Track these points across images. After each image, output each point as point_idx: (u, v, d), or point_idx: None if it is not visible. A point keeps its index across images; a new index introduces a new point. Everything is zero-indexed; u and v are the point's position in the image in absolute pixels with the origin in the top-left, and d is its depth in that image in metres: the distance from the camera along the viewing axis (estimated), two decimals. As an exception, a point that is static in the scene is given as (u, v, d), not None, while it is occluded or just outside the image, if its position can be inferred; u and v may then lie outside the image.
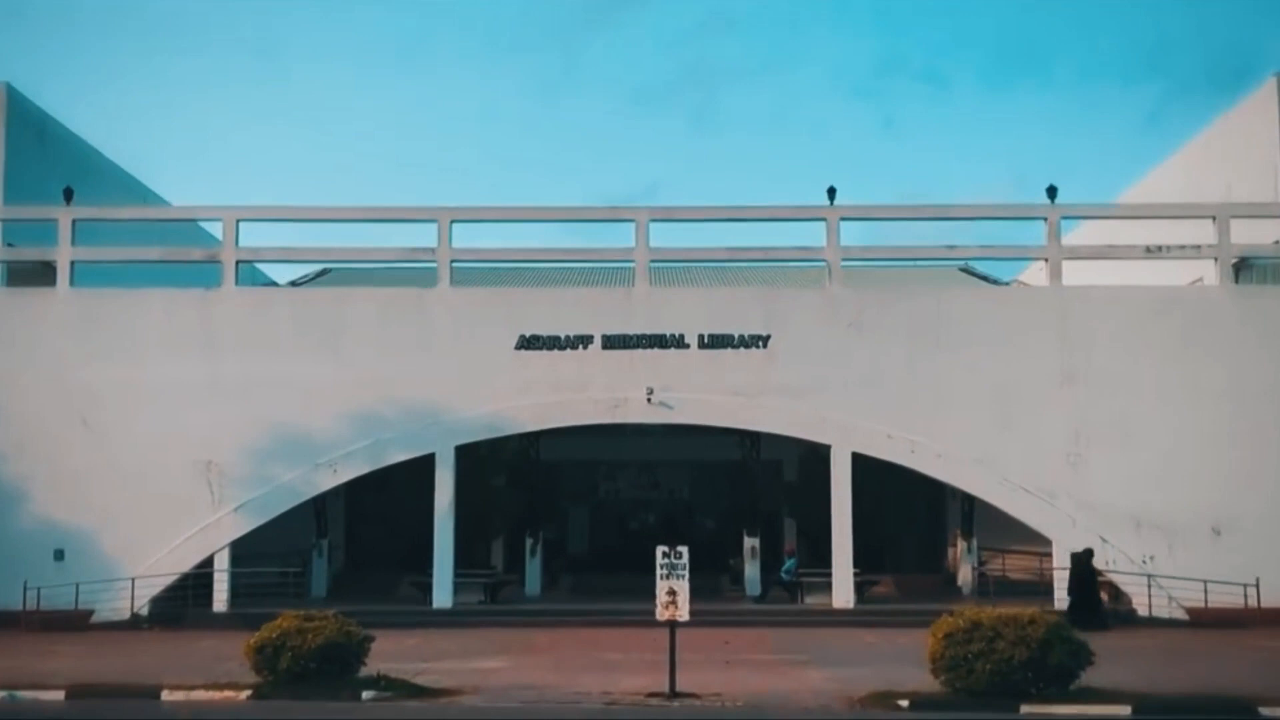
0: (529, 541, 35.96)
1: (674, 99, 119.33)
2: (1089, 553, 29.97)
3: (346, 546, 39.45)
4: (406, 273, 36.12)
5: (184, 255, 34.53)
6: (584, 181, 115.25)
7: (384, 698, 16.86)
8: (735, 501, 38.00)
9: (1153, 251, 32.51)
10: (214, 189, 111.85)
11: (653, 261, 33.06)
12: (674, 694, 17.66)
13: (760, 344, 32.20)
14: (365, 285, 35.52)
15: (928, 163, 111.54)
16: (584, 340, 32.32)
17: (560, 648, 24.92)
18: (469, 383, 32.17)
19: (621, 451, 39.82)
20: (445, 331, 32.51)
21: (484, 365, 32.22)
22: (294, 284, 40.25)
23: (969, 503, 35.34)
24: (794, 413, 31.94)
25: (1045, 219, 32.67)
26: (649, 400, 31.84)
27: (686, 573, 17.76)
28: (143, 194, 40.48)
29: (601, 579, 36.28)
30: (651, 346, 32.28)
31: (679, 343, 32.28)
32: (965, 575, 36.18)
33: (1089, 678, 16.08)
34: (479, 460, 34.07)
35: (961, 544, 36.79)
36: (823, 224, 32.75)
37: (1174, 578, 30.60)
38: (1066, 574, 30.94)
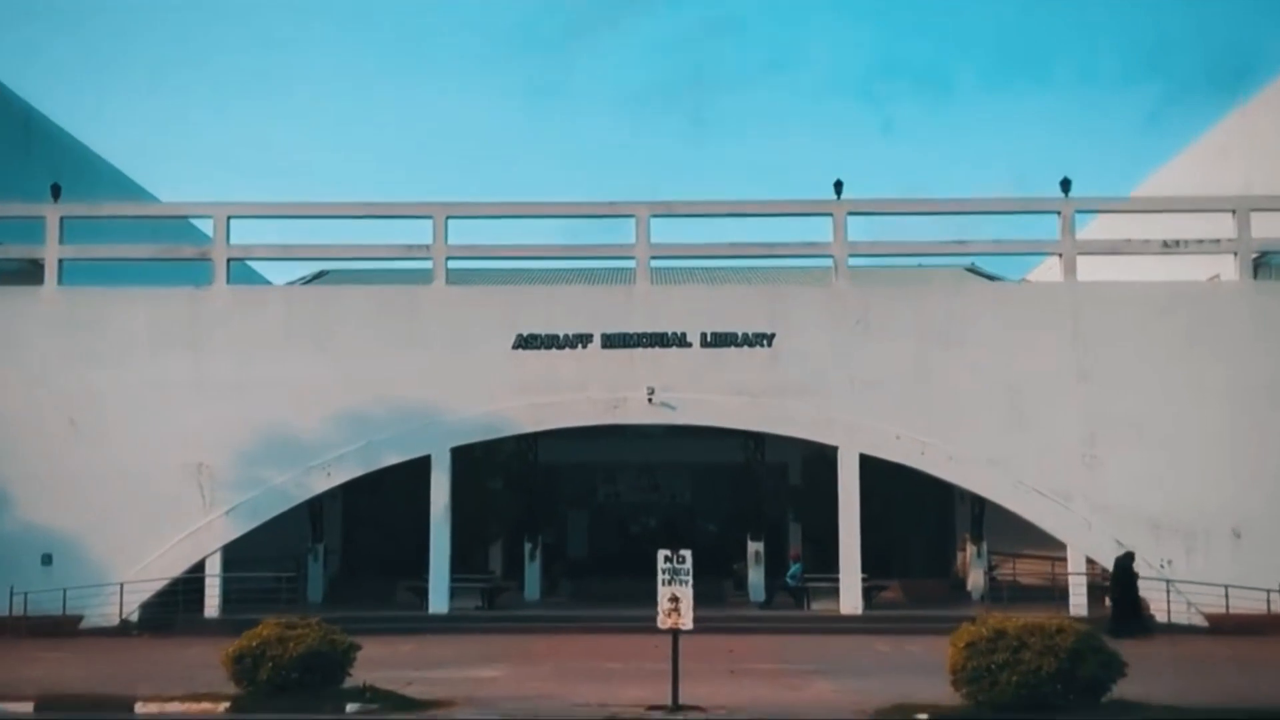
0: (528, 546, 35.25)
1: (672, 103, 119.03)
2: (1130, 556, 29.19)
3: (343, 551, 38.72)
4: (402, 272, 35.33)
5: (174, 253, 33.79)
6: (582, 186, 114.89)
7: (369, 710, 15.98)
8: (739, 505, 37.16)
9: (1170, 246, 31.69)
10: (209, 193, 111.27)
11: (653, 258, 32.26)
12: (676, 706, 16.74)
13: (764, 342, 31.46)
14: (360, 285, 34.70)
15: (927, 166, 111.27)
16: (583, 339, 31.60)
17: (559, 655, 24.06)
18: (465, 383, 31.45)
19: (622, 454, 39.06)
20: (441, 330, 31.81)
21: (480, 365, 31.52)
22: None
23: (979, 505, 34.53)
24: (799, 413, 31.19)
25: (1058, 213, 31.89)
26: (650, 400, 31.11)
27: (690, 578, 16.84)
28: (133, 192, 39.81)
29: (602, 584, 35.56)
30: (652, 345, 31.58)
31: (680, 341, 31.57)
32: (975, 580, 35.37)
33: (1119, 689, 15.18)
34: (476, 462, 33.44)
35: (971, 548, 35.93)
36: (828, 219, 32.00)
37: (1193, 583, 29.72)
38: (1082, 579, 30.34)
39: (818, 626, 29.75)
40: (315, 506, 34.56)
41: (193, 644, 26.47)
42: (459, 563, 32.29)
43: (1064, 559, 31.39)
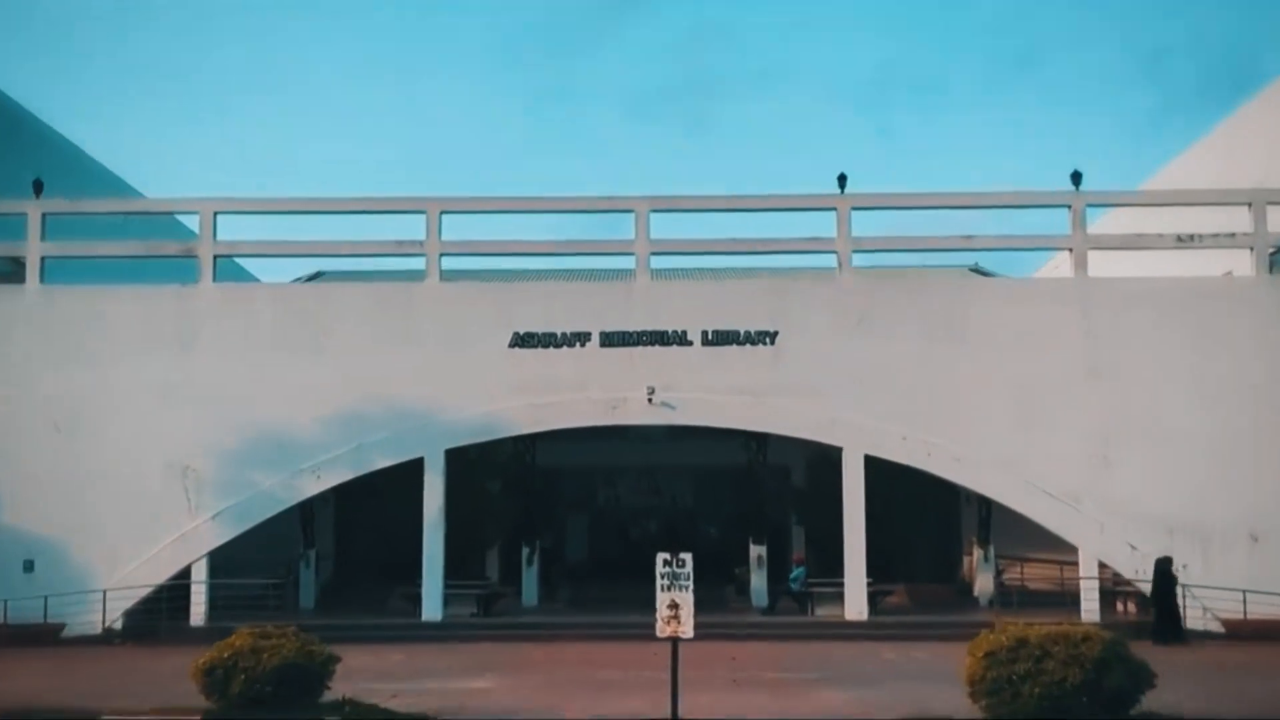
0: (525, 551, 34.54)
1: (672, 108, 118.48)
2: (1169, 560, 28.43)
3: (336, 557, 38.07)
4: (400, 273, 34.49)
5: (159, 250, 32.95)
6: (580, 191, 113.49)
7: (347, 725, 15.07)
8: (741, 508, 36.48)
9: (1184, 241, 30.87)
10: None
11: (653, 254, 31.43)
12: (676, 719, 15.83)
13: (767, 341, 30.68)
14: (351, 282, 33.94)
15: (925, 170, 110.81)
16: (581, 338, 30.82)
17: (554, 665, 23.23)
18: (460, 383, 30.67)
19: (622, 456, 38.40)
20: (435, 329, 31.02)
21: (476, 364, 30.72)
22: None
23: (985, 508, 33.79)
24: (803, 413, 30.40)
25: (1068, 207, 31.03)
26: (650, 400, 30.33)
27: (690, 583, 15.93)
28: (120, 189, 38.94)
29: (601, 589, 34.94)
30: (652, 344, 30.79)
31: (681, 340, 30.78)
32: (982, 585, 34.55)
33: (1147, 700, 14.28)
34: (473, 465, 32.65)
35: (978, 552, 35.15)
36: (832, 216, 31.20)
37: (1209, 587, 28.90)
38: (1094, 584, 29.67)
39: (822, 633, 29.00)
40: (307, 511, 33.82)
41: (175, 653, 25.41)
42: (455, 568, 31.57)
43: (1073, 563, 30.62)
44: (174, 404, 30.33)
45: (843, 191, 31.06)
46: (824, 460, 32.47)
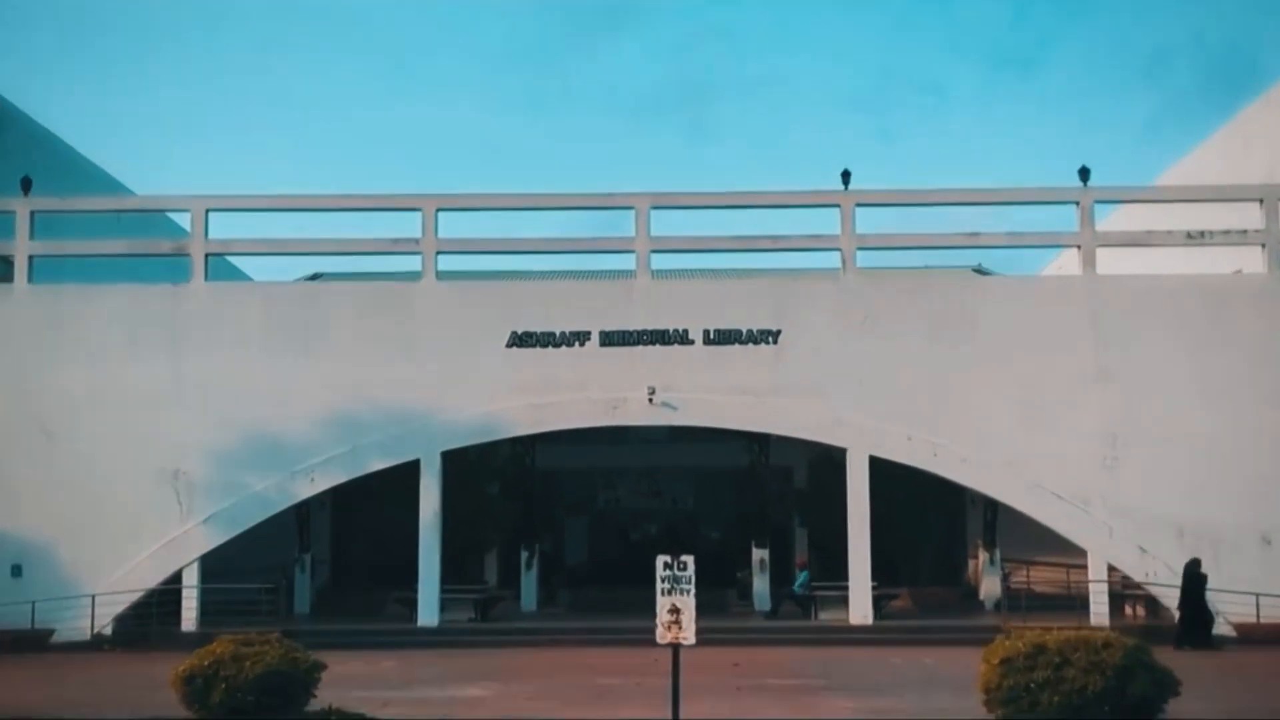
0: (524, 554, 34.07)
1: (669, 112, 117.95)
2: (1197, 562, 27.87)
3: (332, 561, 37.54)
4: (399, 273, 33.92)
5: (150, 248, 32.49)
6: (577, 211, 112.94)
7: (331, 736, 14.45)
8: (743, 510, 35.96)
9: (1194, 238, 30.35)
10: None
11: (654, 252, 30.87)
12: (678, 728, 15.24)
13: (770, 340, 30.17)
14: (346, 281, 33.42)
15: (926, 173, 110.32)
16: (580, 337, 30.31)
17: (552, 671, 22.63)
18: (457, 383, 30.15)
19: (622, 458, 37.75)
20: (431, 328, 30.51)
21: (473, 364, 30.20)
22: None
23: (991, 510, 33.34)
24: (806, 413, 29.90)
25: (1077, 203, 30.51)
26: (650, 401, 29.85)
27: (692, 587, 15.32)
28: (111, 187, 38.33)
29: (601, 593, 34.41)
30: (653, 343, 30.29)
31: (682, 339, 30.27)
32: (988, 589, 34.07)
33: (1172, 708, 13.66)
34: (470, 468, 32.25)
35: (984, 555, 34.68)
36: (836, 213, 30.70)
37: (1220, 590, 28.16)
38: (1103, 587, 29.22)
39: (826, 637, 28.50)
40: (302, 514, 33.54)
41: (165, 660, 24.56)
42: (454, 572, 31.14)
43: (1080, 566, 30.17)
44: (165, 405, 29.83)
45: (846, 188, 30.56)
46: (827, 461, 32.00)
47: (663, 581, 15.31)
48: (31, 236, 30.65)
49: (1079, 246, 30.63)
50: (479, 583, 33.35)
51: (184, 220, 32.56)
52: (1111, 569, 29.42)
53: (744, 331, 30.21)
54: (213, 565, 30.00)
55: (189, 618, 29.38)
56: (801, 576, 32.31)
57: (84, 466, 29.61)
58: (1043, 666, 12.55)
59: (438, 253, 30.82)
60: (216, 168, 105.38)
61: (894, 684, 20.73)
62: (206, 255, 30.88)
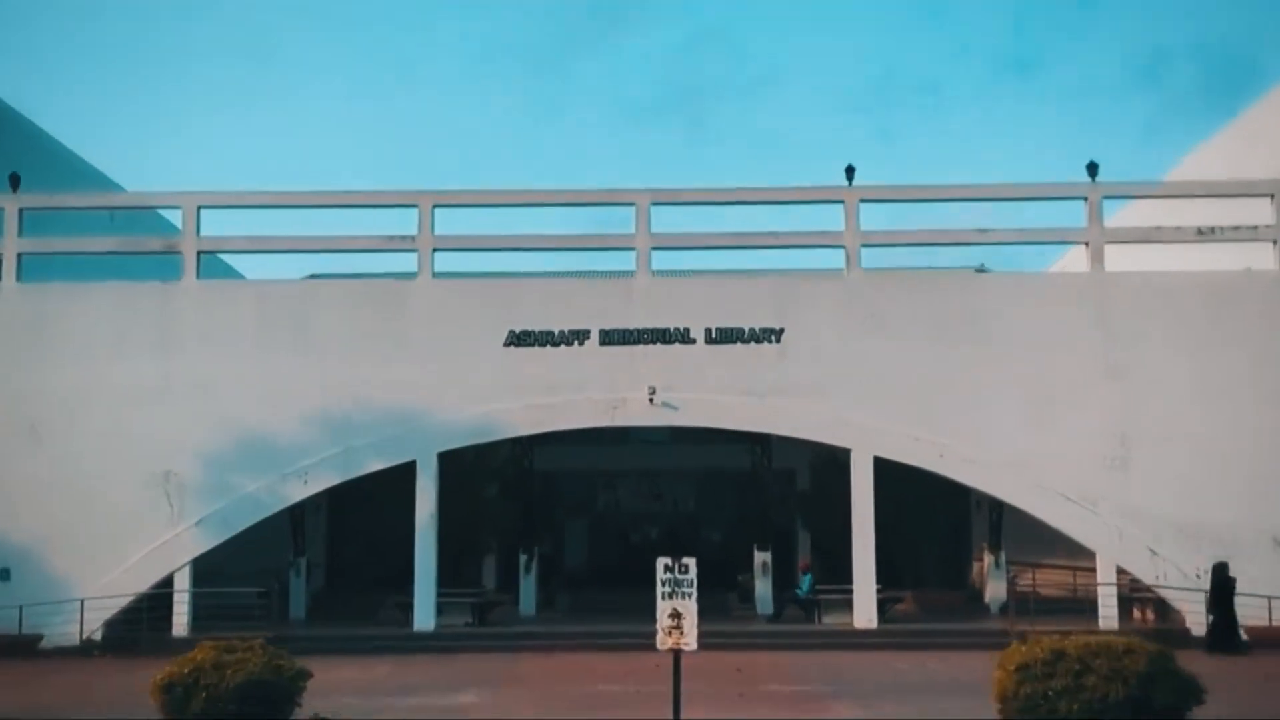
0: (523, 558, 33.58)
1: (667, 115, 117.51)
2: (1225, 564, 27.33)
3: (327, 564, 37.09)
4: (393, 274, 33.43)
5: (140, 246, 32.03)
6: (575, 207, 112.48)
7: (315, 748, 13.89)
8: (744, 513, 35.53)
9: (1204, 234, 29.79)
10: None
11: (654, 249, 30.34)
12: (679, 737, 14.67)
13: (772, 338, 29.64)
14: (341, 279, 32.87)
15: (925, 176, 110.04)
16: (580, 335, 29.78)
17: (549, 677, 22.10)
18: (453, 383, 29.63)
19: (622, 460, 37.43)
20: (427, 327, 30.00)
21: (470, 364, 29.68)
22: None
23: (997, 512, 32.81)
24: (810, 413, 29.40)
25: (1085, 199, 30.01)
26: (651, 401, 29.32)
27: (694, 590, 14.75)
28: (102, 185, 37.82)
29: (601, 597, 33.80)
30: (654, 342, 29.76)
31: (683, 337, 29.75)
32: (994, 592, 33.58)
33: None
34: (468, 469, 31.83)
35: (989, 558, 34.19)
36: (839, 210, 30.20)
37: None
38: (1112, 590, 28.71)
39: (830, 642, 28.05)
40: (297, 517, 33.06)
41: (153, 666, 24.10)
42: (452, 576, 30.70)
43: (1087, 569, 29.74)
44: (156, 405, 29.32)
45: (850, 184, 30.07)
46: (830, 462, 31.49)
47: (663, 585, 14.77)
48: (20, 234, 30.16)
49: (1087, 243, 30.14)
50: (477, 586, 32.89)
51: (176, 218, 31.99)
52: (1120, 571, 28.90)
53: (746, 330, 29.70)
54: (206, 569, 29.47)
55: (180, 623, 28.81)
56: (805, 580, 31.79)
57: (73, 468, 29.13)
58: (1061, 674, 12.00)
59: (434, 250, 30.33)
60: (213, 168, 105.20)
61: (902, 690, 20.22)
62: (198, 253, 30.37)
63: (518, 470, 33.71)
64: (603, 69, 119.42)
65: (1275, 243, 29.56)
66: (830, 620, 30.16)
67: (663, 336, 29.71)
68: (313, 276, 37.98)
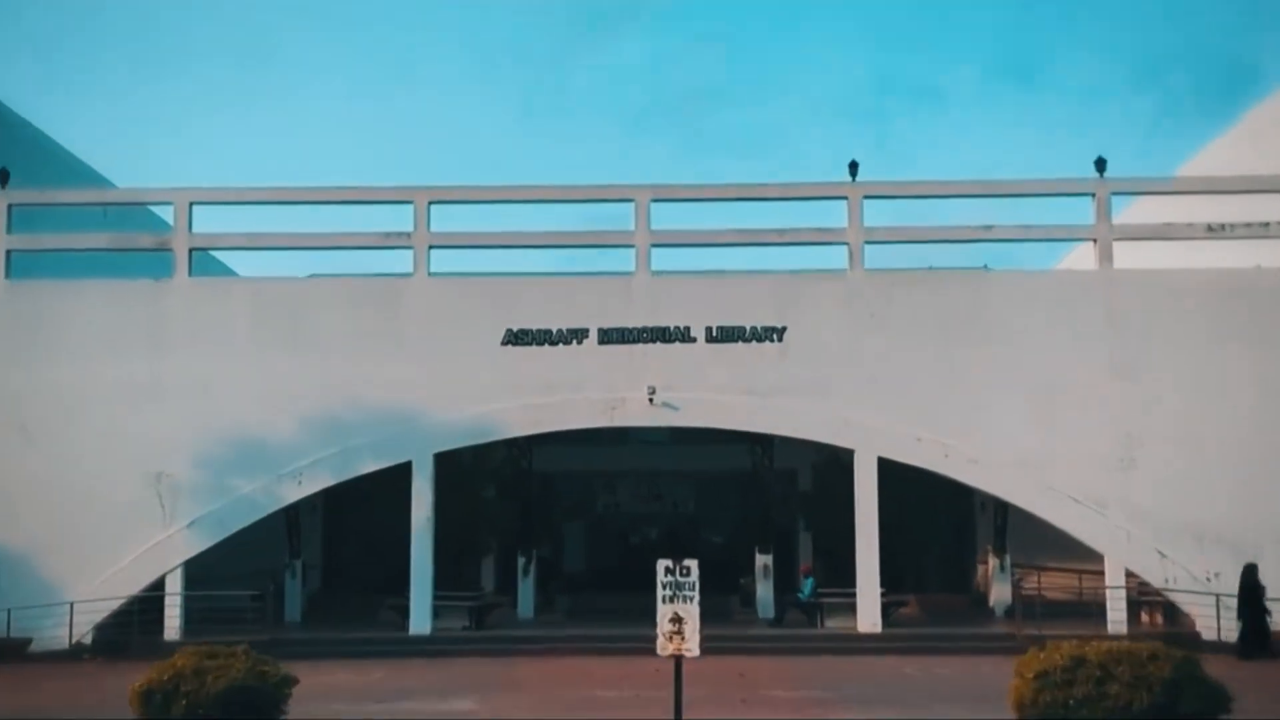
0: (521, 560, 33.13)
1: (666, 118, 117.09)
2: (1254, 567, 26.80)
3: (324, 567, 36.70)
4: (387, 271, 33.01)
5: (131, 243, 31.59)
6: (574, 204, 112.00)
7: (303, 756, 13.41)
8: (746, 515, 35.01)
9: (1215, 230, 29.31)
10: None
11: (654, 246, 29.85)
12: (681, 745, 14.17)
13: (774, 337, 29.17)
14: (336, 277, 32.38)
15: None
16: (578, 334, 29.32)
17: (547, 682, 21.60)
18: (450, 383, 29.17)
19: (622, 461, 36.98)
20: (423, 326, 29.55)
21: (466, 363, 29.20)
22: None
23: (1001, 514, 32.30)
24: (812, 413, 28.92)
25: (1093, 195, 29.55)
26: (651, 401, 28.87)
27: (696, 593, 14.25)
28: (94, 182, 37.32)
29: (600, 600, 33.45)
30: (653, 340, 29.30)
31: (684, 336, 29.28)
32: (998, 595, 33.07)
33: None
34: (465, 471, 31.38)
35: (993, 561, 33.67)
36: (843, 206, 29.77)
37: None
38: (1121, 594, 28.30)
39: (834, 646, 27.50)
40: (292, 518, 32.51)
41: (143, 670, 23.85)
42: (450, 578, 30.27)
43: (1093, 572, 29.25)
44: (147, 405, 28.86)
45: (854, 179, 29.58)
46: (833, 463, 31.09)
47: (664, 588, 14.29)
48: (8, 230, 29.73)
49: (1094, 240, 29.66)
50: (475, 589, 32.43)
51: (168, 215, 31.52)
52: (1128, 574, 28.44)
53: (748, 329, 29.24)
54: (200, 571, 29.03)
55: (172, 626, 28.34)
56: (807, 583, 31.32)
57: (63, 468, 28.68)
58: (1082, 681, 11.49)
59: (430, 247, 29.89)
60: (210, 170, 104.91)
61: (909, 695, 19.74)
62: (190, 250, 29.92)
63: (516, 471, 33.26)
64: (599, 74, 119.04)
65: (1288, 239, 29.07)
66: (833, 624, 29.70)
67: (663, 335, 29.25)
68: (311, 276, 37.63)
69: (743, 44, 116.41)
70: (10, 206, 29.69)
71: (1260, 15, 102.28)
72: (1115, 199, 30.20)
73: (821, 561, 32.99)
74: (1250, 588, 26.46)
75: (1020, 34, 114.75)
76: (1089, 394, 28.69)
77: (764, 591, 31.92)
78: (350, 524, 35.75)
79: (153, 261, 31.30)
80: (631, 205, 29.77)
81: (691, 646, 14.04)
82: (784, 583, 32.52)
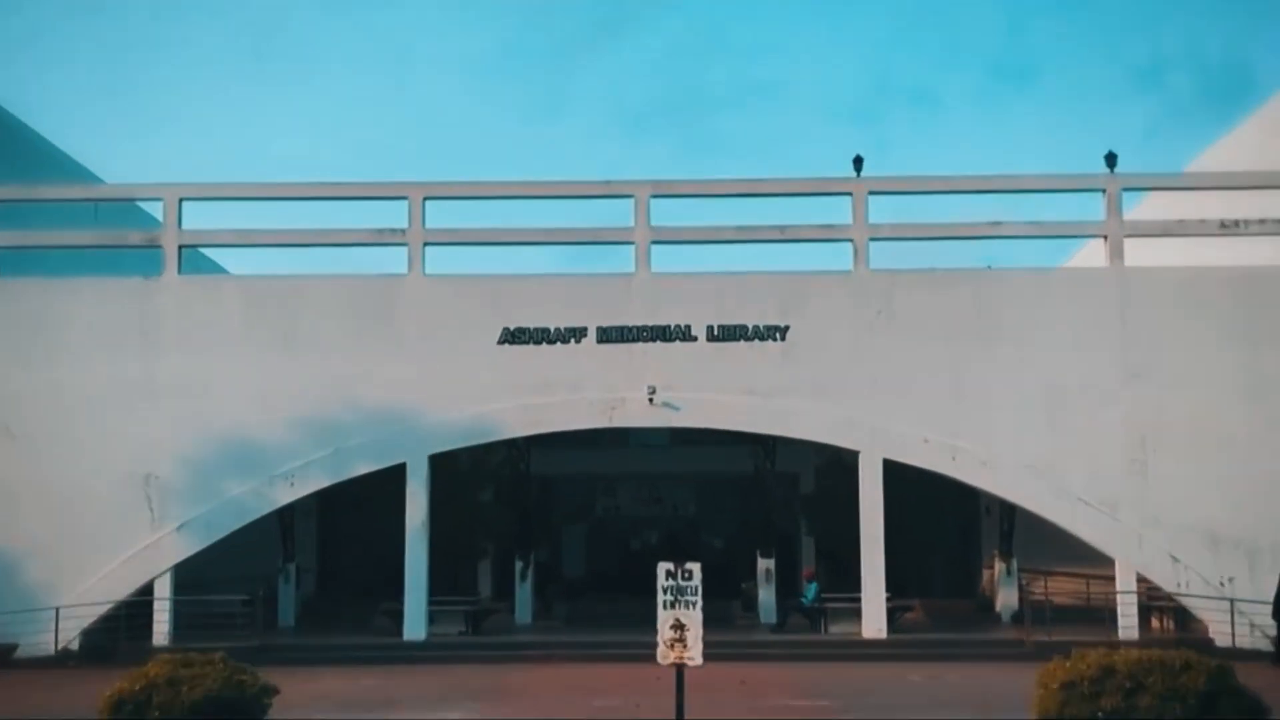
0: (519, 564, 32.58)
1: (665, 122, 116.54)
2: None
3: (319, 571, 36.17)
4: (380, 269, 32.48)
5: (120, 240, 30.88)
6: (573, 206, 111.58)
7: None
8: (747, 518, 34.48)
9: (1229, 227, 28.68)
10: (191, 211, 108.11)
11: (654, 242, 29.21)
12: (682, 758, 13.50)
13: (777, 336, 28.56)
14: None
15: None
16: (576, 333, 28.70)
17: (544, 690, 20.96)
18: (445, 383, 28.58)
19: (621, 463, 36.37)
20: (418, 325, 28.95)
21: (462, 363, 28.61)
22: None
23: (1008, 518, 31.73)
24: (816, 414, 28.32)
25: (1103, 191, 28.91)
26: (651, 401, 28.26)
27: (698, 598, 13.60)
28: (84, 178, 36.64)
29: (600, 605, 33.00)
30: (653, 339, 28.68)
31: (684, 335, 28.67)
32: (1005, 600, 32.56)
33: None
34: (462, 473, 30.94)
35: (999, 565, 33.08)
36: (848, 202, 29.15)
37: (1256, 602, 26.62)
38: (1132, 599, 27.64)
39: (838, 653, 26.92)
40: (286, 521, 32.02)
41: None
42: (446, 583, 29.84)
43: (1101, 576, 28.66)
44: (136, 405, 28.28)
45: (859, 175, 28.98)
46: (837, 465, 30.58)
47: (665, 593, 13.65)
48: (-7, 227, 29.15)
49: (1105, 237, 29.05)
50: (472, 594, 31.95)
51: (159, 212, 30.88)
52: (1138, 579, 27.84)
53: (750, 328, 28.63)
54: (193, 575, 28.46)
55: (160, 631, 27.71)
56: (810, 588, 30.70)
57: (50, 470, 28.10)
58: (1111, 692, 10.80)
59: (425, 244, 29.29)
60: (207, 170, 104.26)
61: (920, 705, 19.08)
62: (180, 247, 29.31)
63: (514, 474, 32.74)
64: (599, 76, 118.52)
65: (1301, 236, 28.45)
66: (837, 630, 29.16)
67: (663, 334, 28.64)
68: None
69: (742, 48, 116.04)
70: (-5, 202, 29.11)
71: (1260, 16, 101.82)
72: (1121, 199, 29.48)
73: (824, 565, 32.48)
74: None
75: (1019, 36, 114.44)
76: (1100, 394, 28.11)
77: (766, 596, 31.38)
78: (346, 528, 35.22)
79: (143, 259, 30.67)
80: (631, 201, 29.18)
81: (694, 655, 13.40)
82: (786, 587, 32.00)
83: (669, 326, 28.60)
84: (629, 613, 25.86)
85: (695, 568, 13.65)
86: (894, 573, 29.21)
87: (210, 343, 28.63)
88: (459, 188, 30.54)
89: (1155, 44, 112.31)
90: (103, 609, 27.52)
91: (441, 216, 29.97)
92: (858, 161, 28.99)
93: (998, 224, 29.65)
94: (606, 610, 31.45)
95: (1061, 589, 31.81)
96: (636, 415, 28.58)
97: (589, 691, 20.51)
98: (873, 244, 29.19)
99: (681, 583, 13.54)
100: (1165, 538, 27.47)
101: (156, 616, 27.81)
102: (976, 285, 29.35)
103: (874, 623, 27.92)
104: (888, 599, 28.31)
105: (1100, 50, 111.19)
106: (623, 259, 30.05)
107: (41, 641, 27.08)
